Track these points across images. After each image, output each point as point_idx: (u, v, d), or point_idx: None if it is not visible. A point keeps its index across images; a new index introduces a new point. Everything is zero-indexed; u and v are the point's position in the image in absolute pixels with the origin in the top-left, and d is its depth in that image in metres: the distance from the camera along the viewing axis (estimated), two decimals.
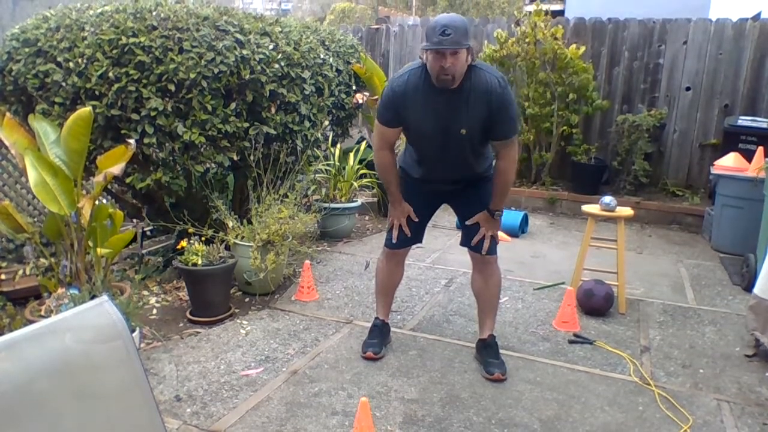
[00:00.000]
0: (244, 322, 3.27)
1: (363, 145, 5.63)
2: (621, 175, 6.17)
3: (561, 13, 9.51)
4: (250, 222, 3.59)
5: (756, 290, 3.04)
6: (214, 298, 3.29)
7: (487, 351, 2.84)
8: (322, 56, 3.97)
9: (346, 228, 4.92)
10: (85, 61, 3.12)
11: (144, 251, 4.12)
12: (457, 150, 2.61)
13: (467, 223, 2.79)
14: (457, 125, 2.51)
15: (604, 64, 6.46)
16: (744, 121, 5.47)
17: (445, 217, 4.81)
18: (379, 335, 2.98)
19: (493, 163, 2.79)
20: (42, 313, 2.64)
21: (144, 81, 3.12)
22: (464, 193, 2.81)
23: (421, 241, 3.00)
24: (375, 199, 5.72)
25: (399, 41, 7.41)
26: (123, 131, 3.20)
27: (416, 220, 2.79)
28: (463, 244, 2.90)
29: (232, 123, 3.33)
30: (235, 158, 3.49)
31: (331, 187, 4.93)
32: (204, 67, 3.13)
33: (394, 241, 2.83)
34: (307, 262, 3.65)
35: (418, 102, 2.52)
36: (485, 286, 2.89)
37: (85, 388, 1.25)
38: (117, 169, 2.73)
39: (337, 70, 4.28)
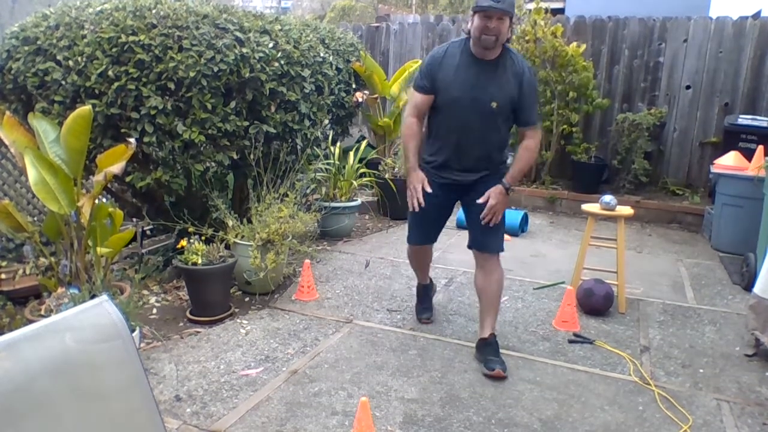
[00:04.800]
0: (244, 321, 3.27)
1: (363, 143, 5.63)
2: (621, 174, 6.17)
3: (561, 11, 9.49)
4: (250, 221, 3.58)
5: (756, 290, 3.04)
6: (214, 297, 3.29)
7: (488, 350, 2.84)
8: (322, 54, 3.97)
9: (346, 227, 4.92)
10: (84, 59, 3.12)
11: (144, 250, 4.11)
12: (482, 125, 2.71)
13: (479, 200, 2.76)
14: (487, 96, 2.65)
15: (604, 63, 6.46)
16: (744, 119, 5.47)
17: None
18: (427, 299, 3.36)
19: (507, 161, 2.91)
20: (42, 312, 2.64)
21: (144, 79, 3.11)
22: (476, 189, 2.84)
23: (436, 240, 3.13)
24: (375, 198, 5.71)
25: (399, 39, 7.40)
26: (123, 130, 3.19)
27: (429, 190, 2.78)
28: (469, 246, 2.96)
29: (231, 122, 3.32)
30: (235, 157, 3.48)
31: (331, 186, 4.92)
32: (204, 66, 3.12)
33: (415, 208, 2.80)
34: (307, 261, 3.65)
35: (453, 66, 2.68)
36: (488, 284, 2.90)
37: (85, 387, 1.25)
38: (117, 168, 2.73)
39: (337, 69, 4.28)
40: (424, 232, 3.07)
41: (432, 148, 2.92)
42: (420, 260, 3.27)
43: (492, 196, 2.74)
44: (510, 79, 2.67)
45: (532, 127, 2.80)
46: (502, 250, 2.89)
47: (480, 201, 2.75)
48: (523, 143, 2.83)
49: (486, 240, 2.86)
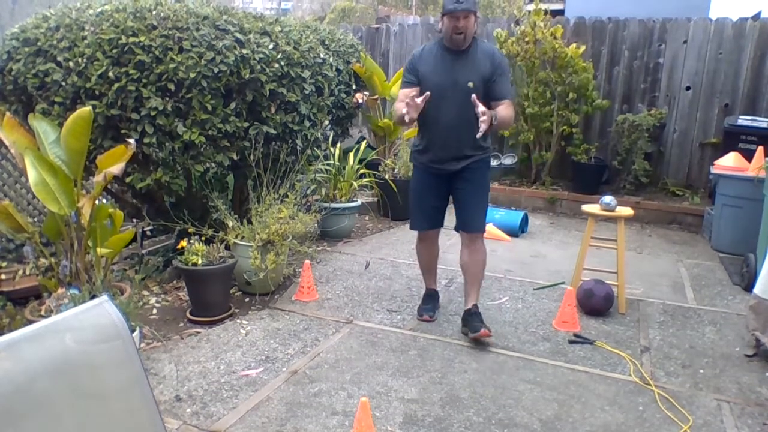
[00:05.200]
0: (244, 322, 3.27)
1: (363, 144, 5.63)
2: (621, 174, 6.17)
3: (561, 12, 9.50)
4: (250, 222, 3.58)
5: (756, 290, 3.04)
6: (214, 298, 3.29)
7: (473, 318, 3.14)
8: (322, 56, 3.97)
9: (346, 228, 4.92)
10: (85, 60, 3.12)
11: (144, 251, 4.12)
12: (462, 105, 2.95)
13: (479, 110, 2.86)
14: (464, 78, 2.99)
15: (604, 64, 6.46)
16: (744, 120, 5.47)
17: (445, 217, 4.80)
18: (431, 301, 3.47)
19: (489, 148, 3.26)
20: (42, 313, 2.64)
21: (144, 80, 3.12)
22: (463, 176, 3.15)
23: (441, 225, 3.37)
24: (375, 199, 5.72)
25: (399, 40, 7.41)
26: (123, 131, 3.20)
27: (418, 100, 2.89)
28: (457, 228, 3.28)
29: (232, 122, 3.33)
30: (235, 158, 3.49)
31: (331, 187, 4.92)
32: (204, 67, 3.13)
33: (410, 108, 2.87)
34: (307, 262, 3.65)
35: (432, 58, 3.08)
36: (473, 262, 3.21)
37: (85, 388, 1.25)
38: (117, 168, 2.73)
39: (337, 70, 4.28)
40: (426, 216, 3.31)
41: (422, 139, 3.21)
42: (428, 253, 3.45)
43: (487, 113, 2.86)
44: (481, 60, 3.02)
45: (508, 101, 3.07)
46: (485, 230, 3.24)
47: (484, 117, 2.83)
48: (501, 112, 3.01)
49: (472, 221, 3.19)
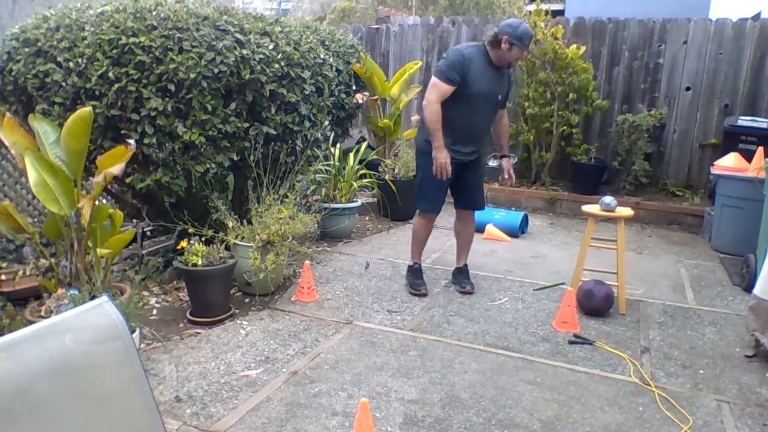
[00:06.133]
0: (244, 322, 3.27)
1: (363, 145, 5.62)
2: (621, 175, 6.17)
3: (561, 12, 9.51)
4: (250, 222, 3.58)
5: (756, 291, 3.04)
6: (214, 298, 3.29)
7: (462, 275, 3.87)
8: (322, 56, 3.97)
9: (346, 228, 4.92)
10: (85, 61, 3.12)
11: (144, 252, 4.12)
12: (489, 111, 3.59)
13: (506, 176, 3.86)
14: (498, 90, 3.56)
15: (604, 64, 6.46)
16: (744, 121, 5.47)
17: (444, 217, 4.80)
18: (422, 276, 3.87)
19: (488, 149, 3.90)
20: (42, 313, 2.64)
21: (144, 81, 3.12)
22: (473, 167, 3.70)
23: (440, 209, 3.82)
24: (375, 200, 5.71)
25: (399, 41, 7.40)
26: (123, 131, 3.20)
27: (449, 174, 3.50)
28: (460, 206, 3.86)
29: (232, 123, 3.33)
30: (235, 158, 3.49)
31: (331, 188, 4.92)
32: (204, 67, 3.13)
33: (442, 177, 3.49)
34: (307, 262, 3.65)
35: (480, 69, 3.44)
36: (466, 230, 3.89)
37: (85, 388, 1.25)
38: (117, 169, 2.73)
39: (337, 70, 4.28)
40: (440, 202, 3.75)
41: (451, 134, 3.51)
42: (428, 232, 3.89)
43: (509, 169, 3.84)
44: (505, 79, 3.63)
45: (506, 108, 3.83)
46: (483, 207, 3.90)
47: (506, 177, 3.85)
48: (502, 121, 3.79)
49: (479, 200, 3.83)
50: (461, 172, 3.64)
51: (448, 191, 3.78)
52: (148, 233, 4.32)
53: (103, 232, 2.87)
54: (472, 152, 3.61)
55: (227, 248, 3.45)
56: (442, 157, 3.44)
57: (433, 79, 3.44)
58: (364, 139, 6.42)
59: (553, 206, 6.22)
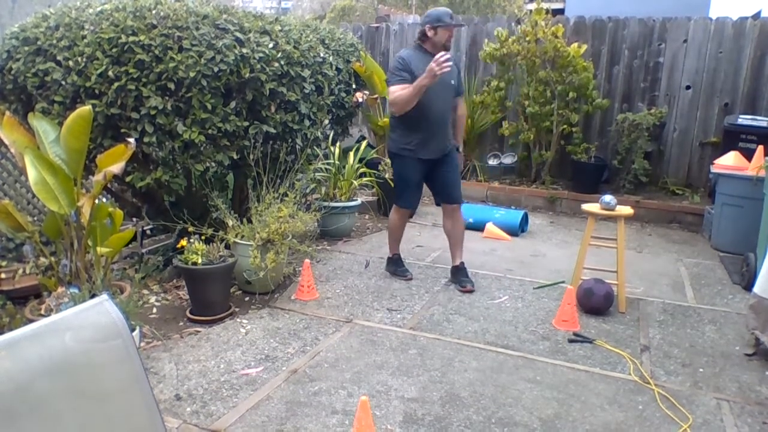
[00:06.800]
0: (244, 321, 3.27)
1: (363, 143, 5.62)
2: (621, 173, 6.17)
3: (561, 11, 9.51)
4: (249, 221, 3.58)
5: (756, 289, 3.04)
6: (214, 297, 3.29)
7: (460, 273, 3.88)
8: (322, 55, 3.97)
9: (345, 227, 4.92)
10: (84, 59, 3.12)
11: (144, 250, 4.12)
12: (447, 98, 3.70)
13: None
14: (447, 77, 3.56)
15: (604, 63, 6.46)
16: (744, 119, 5.47)
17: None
18: (402, 263, 4.08)
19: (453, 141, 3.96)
20: (42, 312, 2.64)
21: (144, 80, 3.12)
22: (446, 162, 3.80)
23: (416, 209, 4.21)
24: (375, 198, 5.71)
25: (399, 39, 7.40)
26: (123, 130, 3.20)
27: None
28: (439, 202, 3.98)
29: (231, 122, 3.32)
30: (235, 157, 3.48)
31: (330, 186, 4.92)
32: (204, 66, 3.13)
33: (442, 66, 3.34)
34: (307, 261, 3.65)
35: (421, 63, 3.51)
36: (455, 227, 3.92)
37: (85, 387, 1.25)
38: (117, 167, 2.73)
39: (337, 69, 4.28)
40: (416, 199, 3.96)
41: (410, 133, 3.67)
42: (403, 227, 4.08)
43: (460, 162, 4.03)
44: (453, 65, 3.62)
45: (462, 96, 3.98)
46: (462, 201, 3.95)
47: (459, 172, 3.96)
48: (458, 111, 3.95)
49: (456, 194, 3.87)
50: (434, 168, 3.79)
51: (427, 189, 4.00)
52: (148, 232, 4.32)
53: (103, 231, 2.87)
54: (443, 147, 3.74)
55: (227, 247, 3.45)
56: (429, 69, 3.34)
57: (389, 89, 3.63)
58: (364, 138, 6.42)
59: (553, 205, 6.22)
